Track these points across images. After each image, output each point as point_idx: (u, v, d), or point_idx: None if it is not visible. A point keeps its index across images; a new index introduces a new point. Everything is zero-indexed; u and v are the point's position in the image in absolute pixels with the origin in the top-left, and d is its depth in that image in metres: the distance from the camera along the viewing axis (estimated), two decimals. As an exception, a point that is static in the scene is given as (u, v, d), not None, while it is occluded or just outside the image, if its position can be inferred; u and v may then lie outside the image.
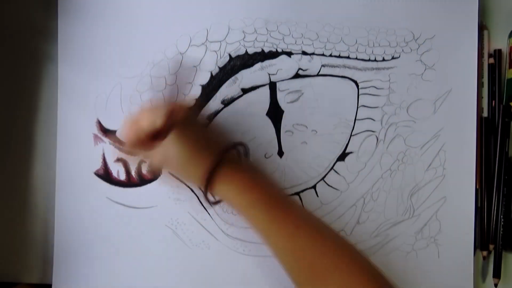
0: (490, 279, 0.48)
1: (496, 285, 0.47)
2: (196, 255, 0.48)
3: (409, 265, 0.48)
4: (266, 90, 0.48)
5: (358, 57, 0.48)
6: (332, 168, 0.48)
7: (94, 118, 0.49)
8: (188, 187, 0.48)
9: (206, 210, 0.48)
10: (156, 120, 0.40)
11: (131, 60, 0.48)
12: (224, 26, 0.48)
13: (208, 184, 0.41)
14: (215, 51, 0.48)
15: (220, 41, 0.48)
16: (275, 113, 0.48)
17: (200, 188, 0.44)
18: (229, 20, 0.48)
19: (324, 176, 0.48)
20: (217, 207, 0.48)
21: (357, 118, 0.48)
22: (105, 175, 0.48)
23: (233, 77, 0.48)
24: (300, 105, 0.48)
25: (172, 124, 0.40)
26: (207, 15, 0.48)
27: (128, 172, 0.48)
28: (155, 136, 0.41)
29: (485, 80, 0.49)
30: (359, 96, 0.48)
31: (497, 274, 0.47)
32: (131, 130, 0.41)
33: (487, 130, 0.48)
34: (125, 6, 0.49)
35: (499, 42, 0.49)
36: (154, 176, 0.48)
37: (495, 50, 0.49)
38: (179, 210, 0.48)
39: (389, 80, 0.48)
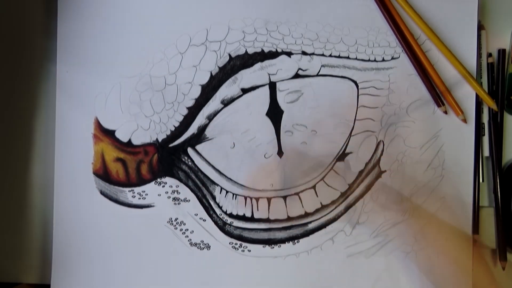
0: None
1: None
2: (195, 255, 0.48)
3: (408, 265, 0.48)
4: (266, 90, 0.48)
5: (358, 58, 0.48)
6: (331, 168, 0.48)
7: (93, 117, 0.48)
8: (188, 187, 0.48)
9: (205, 210, 0.48)
10: None
11: (130, 59, 0.48)
12: (224, 26, 0.48)
13: None
14: (215, 51, 0.48)
15: (220, 41, 0.48)
16: (275, 113, 0.48)
17: None
18: (229, 20, 0.48)
19: (324, 177, 0.48)
20: (216, 207, 0.48)
21: (356, 118, 0.48)
22: (104, 174, 0.48)
23: (233, 77, 0.48)
24: (300, 105, 0.48)
25: None
26: (207, 15, 0.48)
27: (127, 171, 0.48)
28: None
29: (484, 80, 0.49)
30: (359, 96, 0.48)
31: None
32: None
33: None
34: (125, 5, 0.48)
35: (497, 42, 0.49)
36: (153, 176, 0.48)
37: (499, 50, 0.49)
38: (178, 210, 0.48)
39: (389, 81, 0.48)
